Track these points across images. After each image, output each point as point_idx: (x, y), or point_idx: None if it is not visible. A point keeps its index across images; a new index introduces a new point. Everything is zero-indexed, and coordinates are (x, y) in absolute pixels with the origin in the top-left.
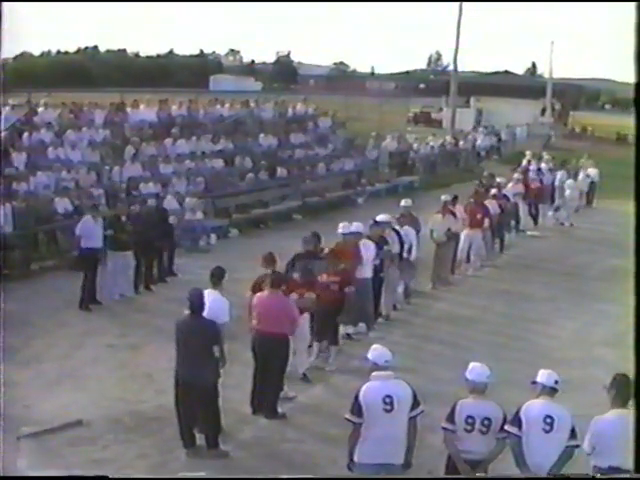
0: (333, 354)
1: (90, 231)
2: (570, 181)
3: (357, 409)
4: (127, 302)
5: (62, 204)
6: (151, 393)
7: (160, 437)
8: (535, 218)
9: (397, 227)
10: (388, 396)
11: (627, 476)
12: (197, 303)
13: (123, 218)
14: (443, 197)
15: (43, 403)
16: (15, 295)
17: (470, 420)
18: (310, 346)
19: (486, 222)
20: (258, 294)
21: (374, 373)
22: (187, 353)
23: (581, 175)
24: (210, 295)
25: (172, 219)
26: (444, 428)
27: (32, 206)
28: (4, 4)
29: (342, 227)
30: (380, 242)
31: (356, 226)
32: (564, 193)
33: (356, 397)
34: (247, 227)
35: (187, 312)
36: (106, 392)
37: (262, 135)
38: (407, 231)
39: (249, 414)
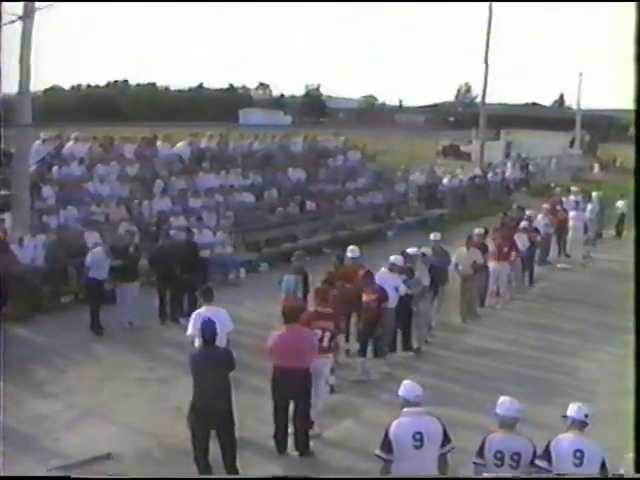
0: (377, 365)
1: (98, 262)
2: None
3: (387, 445)
4: (155, 336)
5: (92, 238)
6: (181, 427)
7: (189, 470)
8: (564, 250)
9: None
10: (418, 433)
11: (627, 476)
12: (210, 334)
13: (131, 249)
14: (476, 230)
15: (72, 436)
16: (45, 328)
17: (499, 455)
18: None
19: (513, 255)
20: (276, 331)
21: (405, 409)
22: (204, 383)
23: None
24: (209, 309)
25: (203, 253)
26: (474, 463)
27: (62, 239)
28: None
29: (351, 251)
30: (409, 274)
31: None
32: (594, 226)
33: (386, 433)
34: (277, 261)
35: (200, 343)
36: (136, 425)
37: (291, 169)
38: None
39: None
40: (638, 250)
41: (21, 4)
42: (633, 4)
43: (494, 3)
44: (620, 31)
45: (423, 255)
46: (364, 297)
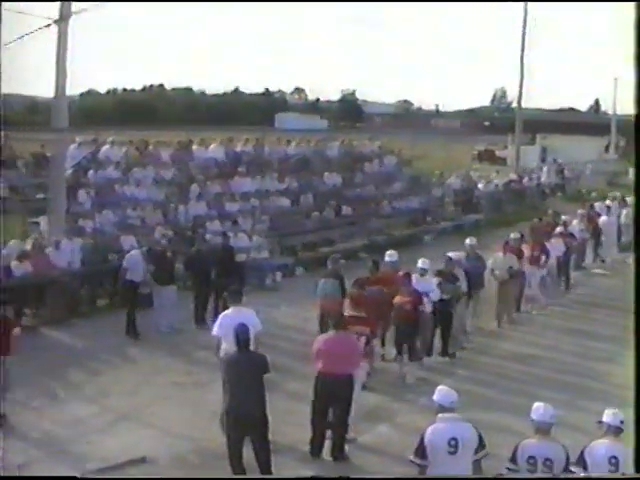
0: (412, 369)
1: (135, 265)
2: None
3: (421, 451)
4: (192, 339)
5: (128, 241)
6: (217, 430)
7: (225, 474)
8: (599, 256)
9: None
10: (453, 438)
11: (627, 476)
12: (244, 338)
13: (169, 253)
14: (512, 235)
15: (108, 439)
16: (81, 331)
17: (532, 461)
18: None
19: (542, 259)
20: (323, 336)
21: (440, 415)
22: (239, 387)
23: (624, 211)
24: (237, 310)
25: (239, 257)
26: (508, 469)
27: (99, 243)
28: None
29: (389, 256)
30: (450, 279)
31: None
32: (629, 230)
33: (421, 439)
34: (313, 265)
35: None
36: (172, 429)
37: (327, 173)
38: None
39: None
40: (638, 252)
41: (57, 8)
42: None
43: (530, 9)
44: None
45: (450, 259)
46: (398, 299)
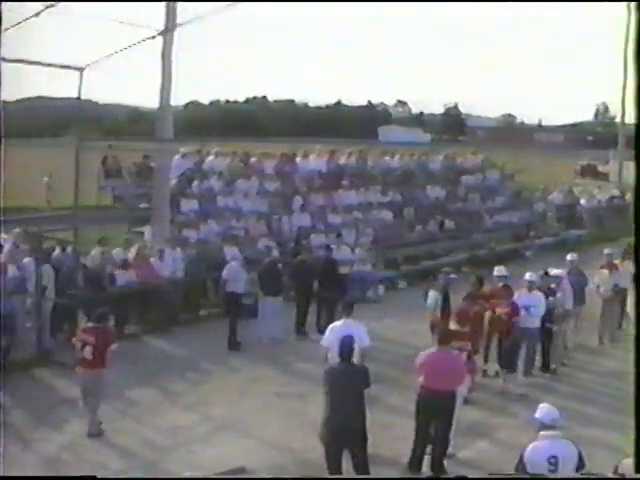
0: (513, 385)
1: (235, 276)
2: None
3: (522, 468)
4: (293, 350)
5: (231, 252)
6: (316, 442)
7: None
8: None
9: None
10: (553, 457)
11: (627, 476)
12: (347, 350)
13: (279, 265)
14: (606, 251)
15: (208, 448)
16: (183, 340)
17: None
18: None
19: None
20: (426, 351)
21: (541, 432)
22: (339, 399)
23: None
24: (347, 322)
25: (342, 270)
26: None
27: (202, 253)
28: (174, 54)
29: (498, 271)
30: (548, 293)
31: (532, 276)
32: None
33: (521, 456)
34: (416, 278)
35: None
36: (272, 440)
37: (430, 187)
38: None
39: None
40: (637, 257)
41: (162, 19)
42: None
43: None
44: None
45: (546, 274)
46: (497, 310)
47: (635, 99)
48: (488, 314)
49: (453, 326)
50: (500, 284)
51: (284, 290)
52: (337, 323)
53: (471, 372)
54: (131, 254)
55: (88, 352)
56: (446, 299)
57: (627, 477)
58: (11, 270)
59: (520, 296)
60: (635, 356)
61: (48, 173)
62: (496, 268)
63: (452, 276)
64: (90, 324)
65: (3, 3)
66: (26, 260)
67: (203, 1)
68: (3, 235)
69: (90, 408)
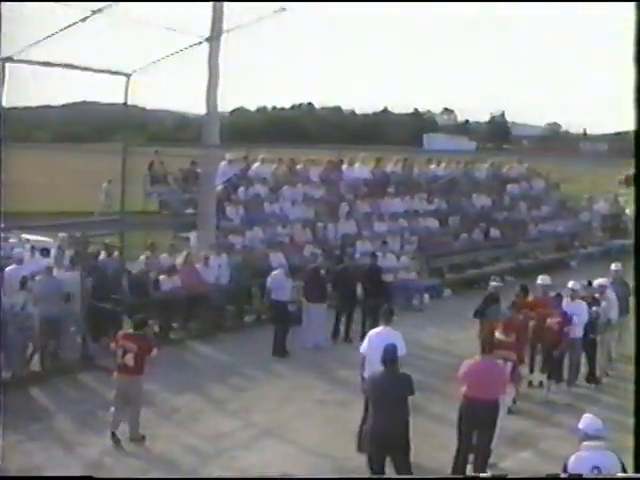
0: (558, 395)
1: (279, 284)
2: None
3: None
4: (337, 357)
5: (276, 259)
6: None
7: None
8: None
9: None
10: (596, 467)
11: (627, 476)
12: (391, 357)
13: (322, 272)
14: None
15: (250, 455)
16: (227, 346)
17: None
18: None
19: None
20: (469, 360)
21: (584, 443)
22: (382, 407)
23: None
24: (386, 330)
25: (387, 277)
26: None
27: (247, 260)
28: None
29: (542, 279)
30: (592, 303)
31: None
32: None
33: (564, 467)
34: (460, 287)
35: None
36: (313, 447)
37: (476, 195)
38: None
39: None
40: (637, 257)
41: (209, 26)
42: None
43: None
44: None
45: (589, 284)
46: (548, 320)
47: (635, 99)
48: (533, 323)
49: (498, 335)
50: (551, 293)
51: (328, 297)
52: (374, 331)
53: (515, 382)
54: (179, 260)
55: (129, 359)
56: (496, 308)
57: (627, 477)
58: (57, 274)
59: (565, 304)
60: (635, 356)
61: (107, 179)
62: (540, 277)
63: (494, 283)
64: (130, 330)
65: (3, 3)
66: (71, 264)
67: (252, 1)
68: (49, 239)
69: (130, 414)
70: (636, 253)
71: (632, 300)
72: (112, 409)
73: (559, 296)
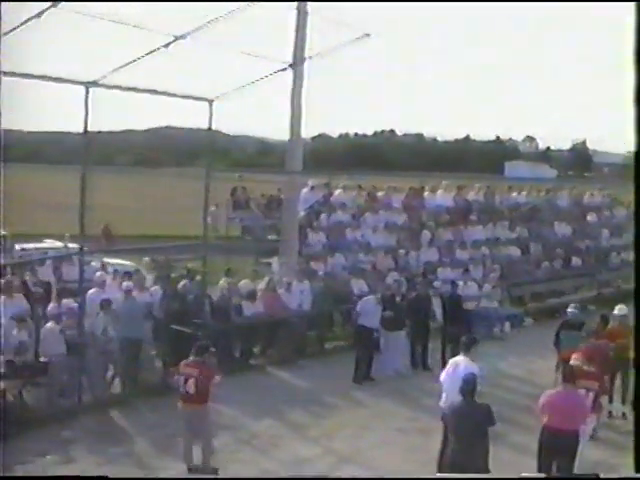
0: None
1: (369, 310)
2: None
3: None
4: (418, 385)
5: (358, 285)
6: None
7: None
8: None
9: None
10: None
11: (627, 476)
12: (469, 387)
13: (398, 298)
14: None
15: None
16: (308, 373)
17: None
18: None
19: None
20: (550, 390)
21: None
22: (462, 437)
23: None
24: (460, 361)
25: (468, 305)
26: None
27: (329, 286)
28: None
29: (618, 310)
30: None
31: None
32: None
33: None
34: (541, 316)
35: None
36: (393, 475)
37: (557, 223)
38: None
39: None
40: (637, 257)
41: (290, 53)
42: None
43: None
44: None
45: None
46: (631, 354)
47: (635, 99)
48: (612, 353)
49: (580, 365)
50: (626, 324)
51: (405, 325)
52: (456, 359)
53: (596, 412)
54: (261, 285)
55: (191, 385)
56: (578, 337)
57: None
58: (138, 297)
59: None
60: (635, 359)
61: (215, 202)
62: (617, 307)
63: (571, 310)
64: (192, 358)
65: (3, 3)
66: (153, 288)
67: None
68: (131, 263)
69: (201, 445)
70: (636, 253)
71: None
72: (183, 441)
73: None
